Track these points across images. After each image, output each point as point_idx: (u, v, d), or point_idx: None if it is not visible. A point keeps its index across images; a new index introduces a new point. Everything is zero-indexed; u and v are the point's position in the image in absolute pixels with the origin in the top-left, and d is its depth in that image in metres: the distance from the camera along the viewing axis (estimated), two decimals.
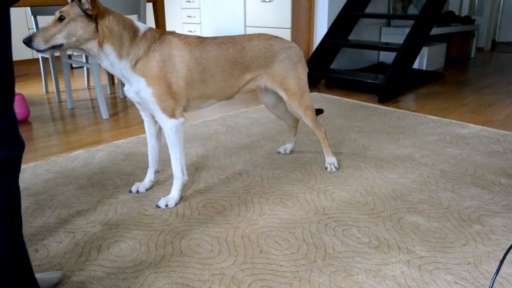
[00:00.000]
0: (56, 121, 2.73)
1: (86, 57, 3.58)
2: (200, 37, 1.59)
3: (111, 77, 3.60)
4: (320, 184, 1.77)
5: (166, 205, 1.58)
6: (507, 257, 1.27)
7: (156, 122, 1.67)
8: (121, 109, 3.01)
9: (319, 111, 2.05)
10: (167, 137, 1.57)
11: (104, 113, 2.78)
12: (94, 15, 1.36)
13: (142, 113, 1.66)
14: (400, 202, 1.61)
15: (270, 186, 1.76)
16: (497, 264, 1.23)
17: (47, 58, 3.42)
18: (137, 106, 1.63)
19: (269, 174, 1.88)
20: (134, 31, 1.45)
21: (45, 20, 4.28)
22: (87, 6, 1.34)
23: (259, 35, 1.73)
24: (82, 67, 4.68)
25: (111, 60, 1.43)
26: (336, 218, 1.50)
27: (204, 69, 1.56)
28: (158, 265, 1.24)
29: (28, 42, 1.30)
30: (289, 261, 1.26)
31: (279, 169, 1.93)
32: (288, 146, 2.12)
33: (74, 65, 4.74)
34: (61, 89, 3.54)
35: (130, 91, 1.52)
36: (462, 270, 1.21)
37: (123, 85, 3.31)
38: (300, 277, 1.19)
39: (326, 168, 1.91)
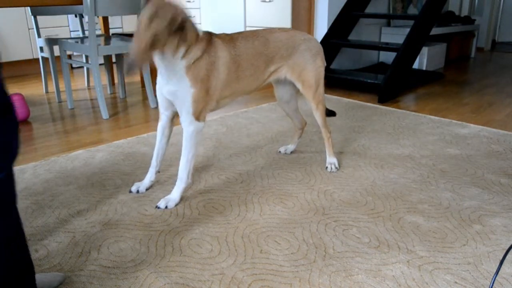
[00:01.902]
0: (56, 121, 2.73)
1: (86, 57, 3.59)
2: (227, 34, 1.62)
3: (111, 77, 3.60)
4: (320, 184, 1.77)
5: (166, 206, 1.58)
6: (507, 257, 1.27)
7: (171, 124, 1.68)
8: (121, 109, 3.01)
9: (331, 113, 2.04)
10: (185, 138, 1.57)
11: (104, 113, 2.78)
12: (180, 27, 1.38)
13: (163, 111, 1.64)
14: (400, 202, 1.61)
15: (270, 186, 1.76)
16: (497, 264, 1.23)
17: (47, 58, 3.42)
18: (162, 103, 1.61)
19: (269, 174, 1.88)
20: (197, 34, 1.48)
21: (45, 20, 4.28)
22: (177, 26, 1.35)
23: (279, 28, 1.75)
24: (82, 67, 4.68)
25: (177, 59, 1.44)
26: (336, 218, 1.50)
27: (239, 66, 1.59)
28: (158, 265, 1.24)
29: (133, 67, 1.28)
30: (289, 261, 1.26)
31: (279, 169, 1.93)
32: (290, 147, 2.12)
33: (74, 65, 4.73)
34: (61, 89, 3.55)
35: (164, 88, 1.52)
36: (462, 270, 1.21)
37: (123, 84, 3.30)
38: (300, 277, 1.19)
39: (327, 167, 1.91)
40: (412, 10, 4.77)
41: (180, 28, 1.38)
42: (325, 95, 3.32)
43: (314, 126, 2.48)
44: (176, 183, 1.62)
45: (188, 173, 1.61)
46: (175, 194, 1.61)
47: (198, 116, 1.54)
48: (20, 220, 0.94)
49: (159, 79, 1.54)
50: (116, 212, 1.55)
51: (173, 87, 1.50)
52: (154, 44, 1.32)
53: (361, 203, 1.60)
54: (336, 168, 1.90)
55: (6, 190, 0.87)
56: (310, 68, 1.76)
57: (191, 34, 1.45)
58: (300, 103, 2.00)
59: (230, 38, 1.59)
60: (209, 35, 1.54)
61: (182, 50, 1.44)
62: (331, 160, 1.92)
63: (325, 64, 1.83)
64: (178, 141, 2.26)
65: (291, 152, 2.12)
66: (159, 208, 1.57)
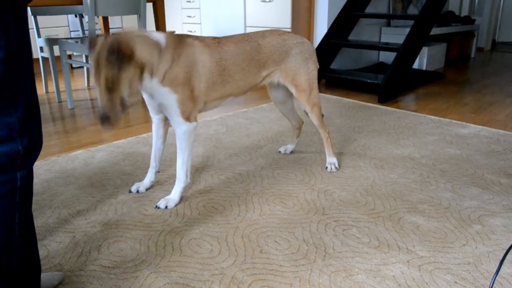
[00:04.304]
0: (56, 121, 2.73)
1: (86, 57, 3.59)
2: (215, 38, 1.59)
3: None
4: (320, 184, 1.77)
5: (166, 206, 1.58)
6: (507, 257, 1.27)
7: (165, 124, 1.68)
8: None
9: None
10: (178, 139, 1.57)
11: None
12: (128, 59, 1.30)
13: (153, 114, 1.65)
14: (400, 202, 1.61)
15: (270, 186, 1.76)
16: (497, 264, 1.23)
17: (47, 58, 3.42)
18: (151, 109, 1.63)
19: (269, 174, 1.88)
20: (157, 47, 1.40)
21: (45, 20, 4.28)
22: (120, 57, 1.26)
23: (271, 31, 1.74)
24: (82, 67, 4.68)
25: (147, 83, 1.41)
26: (336, 218, 1.50)
27: (224, 70, 1.56)
28: (158, 265, 1.24)
29: (107, 120, 1.28)
30: (289, 261, 1.26)
31: (279, 169, 1.93)
32: (289, 147, 2.12)
33: (74, 65, 4.73)
34: (61, 89, 3.55)
35: (149, 101, 1.54)
36: (462, 270, 1.21)
37: None
38: (300, 277, 1.19)
39: (327, 168, 1.91)
40: (412, 10, 4.77)
41: (129, 59, 1.28)
42: (326, 95, 3.32)
43: (314, 126, 2.48)
44: (175, 183, 1.62)
45: (186, 173, 1.61)
46: (174, 194, 1.61)
47: (188, 116, 1.53)
48: (33, 218, 0.95)
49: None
50: (116, 212, 1.55)
51: (157, 100, 1.50)
52: (114, 89, 1.27)
53: (361, 203, 1.60)
54: (336, 168, 1.90)
55: (28, 186, 0.90)
56: (303, 72, 1.75)
57: (149, 54, 1.36)
58: (296, 103, 1.99)
59: (216, 42, 1.56)
60: (177, 40, 1.46)
61: (147, 76, 1.38)
62: (331, 160, 1.92)
63: (318, 67, 1.82)
64: None
65: (291, 152, 2.12)
66: (159, 208, 1.57)
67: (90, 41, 1.29)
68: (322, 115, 2.07)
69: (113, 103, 1.28)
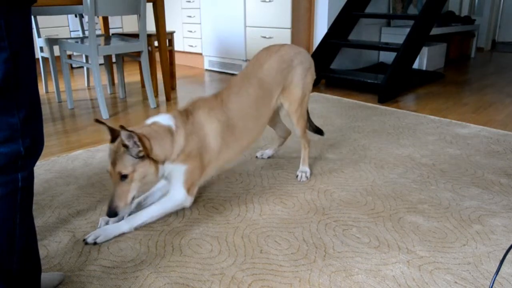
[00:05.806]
0: (56, 121, 2.73)
1: (86, 57, 3.59)
2: (217, 95, 1.55)
3: (111, 77, 3.60)
4: (320, 184, 1.77)
5: None
6: (507, 257, 1.27)
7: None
8: (121, 109, 3.01)
9: (319, 131, 2.00)
10: (165, 201, 1.47)
11: (104, 113, 2.78)
12: (146, 154, 1.31)
13: None
14: (400, 202, 1.61)
15: (270, 186, 1.75)
16: (497, 264, 1.23)
17: (47, 58, 3.42)
18: None
19: (269, 174, 1.88)
20: (169, 133, 1.39)
21: (45, 20, 4.28)
22: (137, 150, 1.29)
23: (268, 51, 1.68)
24: (82, 67, 4.68)
25: (163, 169, 1.41)
26: (336, 218, 1.50)
27: (235, 128, 1.54)
28: (158, 265, 1.24)
29: (115, 215, 1.31)
30: (289, 261, 1.26)
31: (279, 169, 1.93)
32: (267, 152, 2.05)
33: (74, 65, 4.74)
34: (61, 89, 3.55)
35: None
36: (462, 270, 1.21)
37: (123, 84, 3.30)
38: (300, 277, 1.19)
39: (297, 176, 1.83)
40: (412, 10, 4.77)
41: (139, 151, 1.29)
42: (326, 95, 3.33)
43: None
44: (121, 221, 1.43)
45: (140, 225, 1.44)
46: (111, 230, 1.40)
47: (189, 188, 1.48)
48: (33, 219, 0.95)
49: None
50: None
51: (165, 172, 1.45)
52: (128, 182, 1.31)
53: (361, 203, 1.60)
54: (307, 177, 1.83)
55: (29, 187, 0.90)
56: (301, 83, 1.70)
57: (163, 147, 1.37)
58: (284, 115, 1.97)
59: (219, 101, 1.52)
60: (185, 114, 1.45)
61: (161, 166, 1.39)
62: (304, 169, 1.86)
63: (315, 77, 1.78)
64: None
65: (268, 158, 2.05)
66: None
67: (110, 131, 1.32)
68: (323, 133, 2.00)
69: (126, 199, 1.32)
